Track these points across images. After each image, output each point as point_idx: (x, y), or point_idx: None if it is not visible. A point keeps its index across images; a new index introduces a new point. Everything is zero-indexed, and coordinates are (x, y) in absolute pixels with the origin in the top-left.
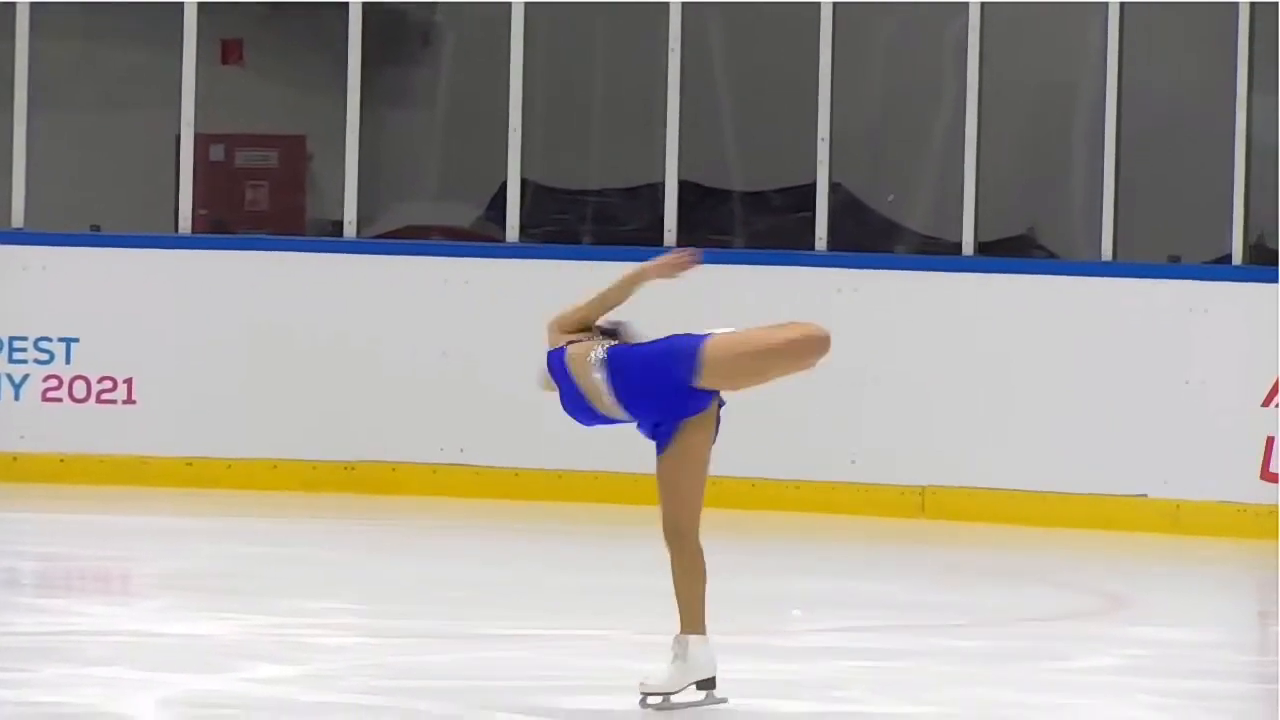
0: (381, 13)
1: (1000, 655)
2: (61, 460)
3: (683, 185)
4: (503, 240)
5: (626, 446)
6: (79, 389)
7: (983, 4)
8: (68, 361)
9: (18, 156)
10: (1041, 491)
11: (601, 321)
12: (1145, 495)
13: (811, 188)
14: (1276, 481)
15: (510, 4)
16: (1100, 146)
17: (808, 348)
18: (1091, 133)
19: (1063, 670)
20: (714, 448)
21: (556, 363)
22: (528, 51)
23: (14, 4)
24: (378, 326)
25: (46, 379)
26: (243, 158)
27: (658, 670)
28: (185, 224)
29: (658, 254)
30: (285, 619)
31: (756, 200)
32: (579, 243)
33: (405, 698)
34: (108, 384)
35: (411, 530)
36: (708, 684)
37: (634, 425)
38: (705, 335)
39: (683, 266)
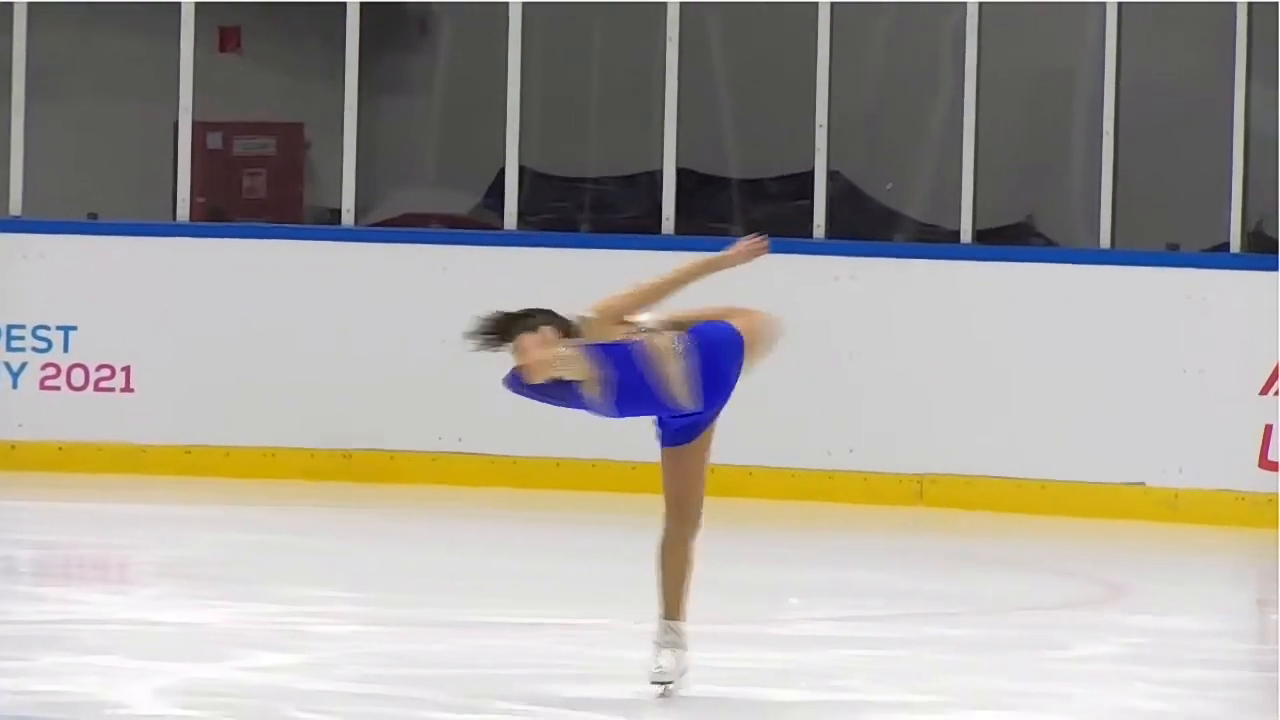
0: (379, 0)
1: (999, 644)
2: (59, 448)
3: (681, 173)
4: (501, 228)
5: (625, 435)
6: (77, 377)
7: None
8: (66, 349)
9: (15, 144)
10: (1040, 480)
11: (569, 316)
12: (1144, 483)
13: (810, 175)
14: (1275, 469)
15: None
16: (1099, 134)
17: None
18: (1090, 121)
19: (1061, 659)
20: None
21: (621, 354)
22: (526, 39)
23: None
24: (376, 314)
25: (44, 367)
26: (240, 145)
27: (665, 659)
28: (183, 212)
29: (655, 241)
30: (283, 607)
31: (755, 188)
32: (577, 230)
33: (402, 686)
34: (106, 372)
35: (410, 519)
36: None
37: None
38: (726, 324)
39: (758, 253)
